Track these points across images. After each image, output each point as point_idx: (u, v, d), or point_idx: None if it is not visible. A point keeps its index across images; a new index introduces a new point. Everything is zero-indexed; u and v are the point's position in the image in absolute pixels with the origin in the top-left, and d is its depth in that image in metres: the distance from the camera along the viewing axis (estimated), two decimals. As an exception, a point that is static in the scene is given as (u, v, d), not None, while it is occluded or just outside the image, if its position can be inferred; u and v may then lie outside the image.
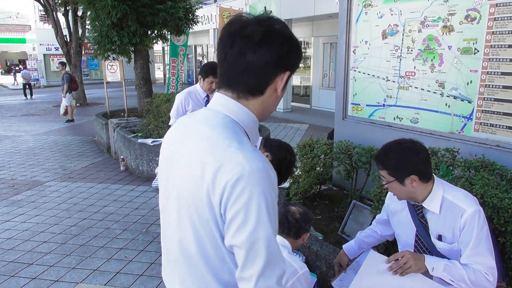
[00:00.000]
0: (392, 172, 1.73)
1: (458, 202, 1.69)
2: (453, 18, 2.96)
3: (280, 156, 1.94)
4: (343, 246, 2.23)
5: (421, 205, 1.78)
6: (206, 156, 0.96)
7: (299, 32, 14.05)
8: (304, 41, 15.09)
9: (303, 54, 15.06)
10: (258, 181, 0.91)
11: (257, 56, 0.97)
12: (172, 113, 3.91)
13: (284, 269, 0.97)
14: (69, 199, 5.00)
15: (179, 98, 3.81)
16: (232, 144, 0.95)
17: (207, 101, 3.85)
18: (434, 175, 1.80)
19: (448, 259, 1.73)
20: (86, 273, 3.27)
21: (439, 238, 1.76)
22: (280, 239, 1.89)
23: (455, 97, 3.03)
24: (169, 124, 4.04)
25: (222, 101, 1.04)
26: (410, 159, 1.71)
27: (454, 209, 1.69)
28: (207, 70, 3.67)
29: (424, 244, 1.82)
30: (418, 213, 1.82)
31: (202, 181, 0.95)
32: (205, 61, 20.16)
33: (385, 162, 1.75)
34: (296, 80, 15.10)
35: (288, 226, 1.91)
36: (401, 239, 1.97)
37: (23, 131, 9.94)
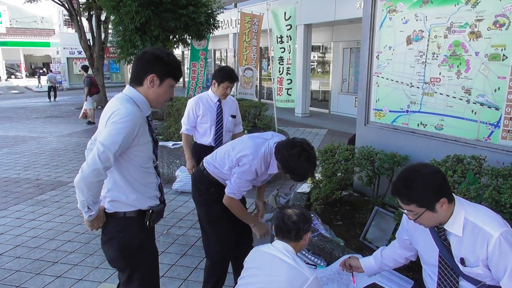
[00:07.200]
0: (422, 202, 1.64)
1: (481, 224, 1.63)
2: (480, 24, 2.91)
3: (288, 157, 2.23)
4: (362, 263, 2.20)
5: (443, 228, 1.73)
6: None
7: (318, 37, 14.04)
8: (323, 46, 15.06)
9: (323, 59, 15.11)
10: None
11: None
12: (183, 120, 3.76)
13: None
14: (92, 200, 5.09)
15: (190, 104, 3.72)
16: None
17: (219, 106, 3.70)
18: (453, 195, 1.74)
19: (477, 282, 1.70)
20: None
21: (462, 261, 1.70)
22: (282, 244, 1.89)
23: (481, 104, 2.98)
24: (181, 132, 3.83)
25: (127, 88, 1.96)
26: (435, 183, 1.64)
27: (478, 233, 1.63)
28: (223, 75, 3.55)
29: (449, 265, 1.76)
30: (440, 235, 1.76)
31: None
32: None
33: (410, 195, 1.65)
34: (315, 85, 15.05)
35: (287, 230, 1.88)
36: (424, 260, 1.92)
37: (47, 132, 10.20)
